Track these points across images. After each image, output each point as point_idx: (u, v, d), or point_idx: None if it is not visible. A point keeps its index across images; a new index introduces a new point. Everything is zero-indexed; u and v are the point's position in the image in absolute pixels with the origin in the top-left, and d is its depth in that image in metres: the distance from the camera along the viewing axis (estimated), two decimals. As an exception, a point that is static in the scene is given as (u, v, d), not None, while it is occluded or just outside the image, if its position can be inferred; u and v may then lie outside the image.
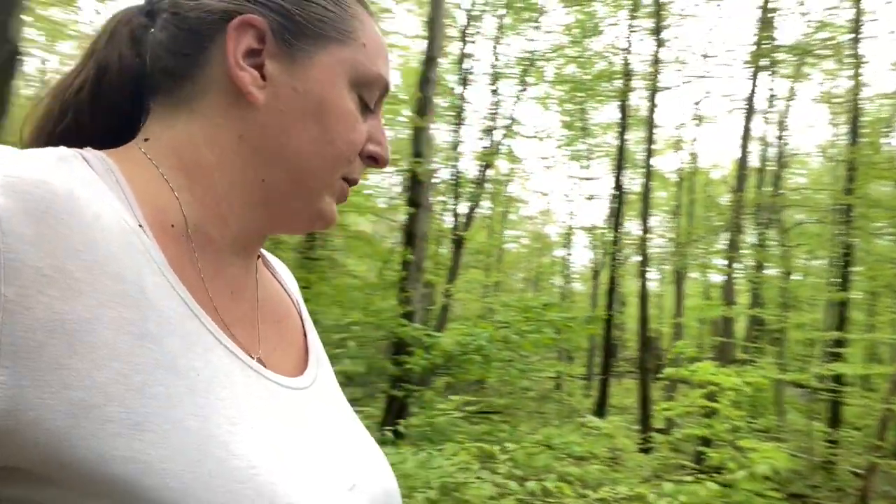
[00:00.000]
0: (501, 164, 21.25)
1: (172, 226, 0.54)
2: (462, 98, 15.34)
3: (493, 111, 16.19)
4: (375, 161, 0.63)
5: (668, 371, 8.08)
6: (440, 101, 16.60)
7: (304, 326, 0.71)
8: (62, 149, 0.51)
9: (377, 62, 0.61)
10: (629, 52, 13.94)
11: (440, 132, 18.53)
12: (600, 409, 13.74)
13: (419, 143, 7.48)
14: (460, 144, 15.60)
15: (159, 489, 0.43)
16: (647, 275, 12.98)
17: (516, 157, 20.68)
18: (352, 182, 0.63)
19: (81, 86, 0.59)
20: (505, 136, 16.42)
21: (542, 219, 25.88)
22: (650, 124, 12.88)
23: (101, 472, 0.42)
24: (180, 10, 0.58)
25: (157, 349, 0.46)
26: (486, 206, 22.16)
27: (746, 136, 11.10)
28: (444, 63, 18.28)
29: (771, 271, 14.72)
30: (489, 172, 17.57)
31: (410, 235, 7.40)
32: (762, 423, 8.42)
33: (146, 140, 0.57)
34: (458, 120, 15.62)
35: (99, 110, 0.60)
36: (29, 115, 0.60)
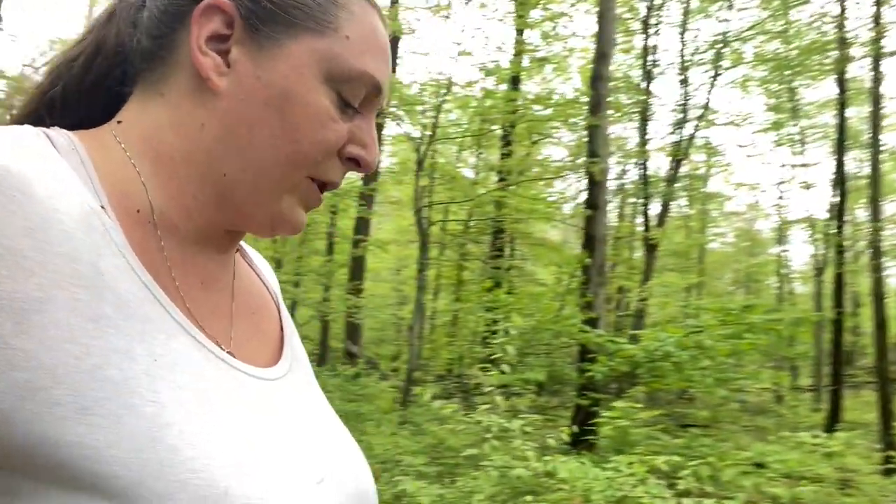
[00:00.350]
0: (697, 158, 19.81)
1: (138, 211, 0.52)
2: (648, 92, 14.56)
3: (684, 102, 15.14)
4: (357, 164, 0.58)
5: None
6: (625, 98, 15.95)
7: (280, 319, 0.68)
8: (25, 127, 0.50)
9: (362, 57, 0.56)
10: (844, 18, 12.22)
11: (626, 130, 17.81)
12: (831, 425, 12.22)
13: (594, 143, 7.23)
14: (649, 142, 14.79)
15: (107, 477, 0.41)
16: (883, 270, 11.15)
17: (714, 148, 19.15)
18: (328, 185, 0.58)
19: (75, 58, 0.59)
20: (698, 127, 15.26)
21: (751, 214, 23.62)
22: (876, 97, 11.12)
23: (48, 457, 0.41)
24: None
25: (114, 332, 0.44)
26: (681, 204, 20.79)
27: None
28: (626, 59, 17.58)
29: None
30: (683, 168, 16.44)
31: (589, 238, 7.16)
32: None
33: (119, 123, 0.56)
34: (645, 116, 14.84)
35: (88, 87, 0.59)
36: (28, 82, 0.62)
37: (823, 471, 7.69)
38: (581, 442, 6.36)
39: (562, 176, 12.48)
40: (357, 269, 14.71)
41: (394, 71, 12.43)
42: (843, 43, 12.45)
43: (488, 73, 12.11)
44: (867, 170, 13.08)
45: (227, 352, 0.54)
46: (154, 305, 0.48)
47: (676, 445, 7.29)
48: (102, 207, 0.49)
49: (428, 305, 15.20)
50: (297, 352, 0.66)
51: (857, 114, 14.43)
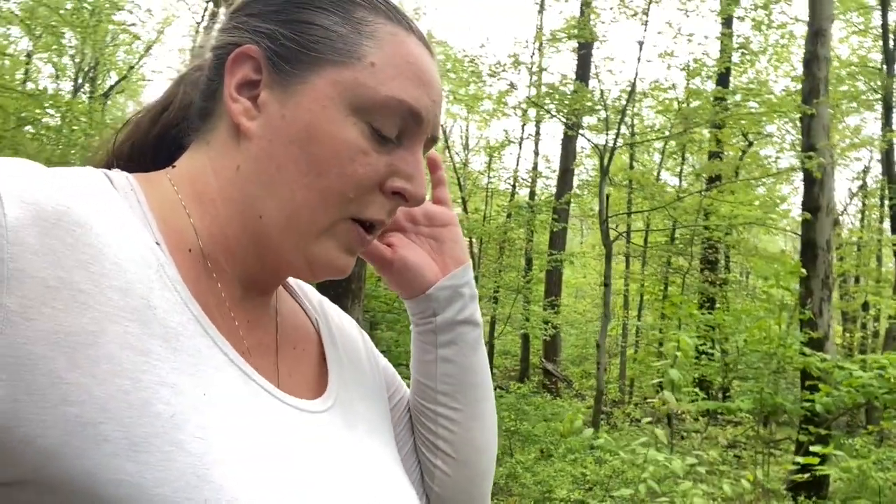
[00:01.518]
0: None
1: (190, 250, 0.54)
2: (891, 73, 12.36)
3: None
4: (403, 198, 0.57)
5: None
6: (860, 84, 13.73)
7: (322, 347, 0.67)
8: (88, 168, 0.53)
9: (390, 83, 0.54)
10: None
11: (864, 119, 15.29)
12: None
13: (810, 135, 6.25)
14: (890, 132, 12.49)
15: None
16: None
17: None
18: (374, 223, 0.57)
19: (146, 115, 0.65)
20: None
21: None
22: None
23: (89, 492, 0.40)
24: (214, 50, 0.60)
25: (162, 365, 0.45)
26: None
27: None
28: (854, 40, 15.16)
29: None
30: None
31: (808, 245, 6.18)
32: None
33: (173, 167, 0.59)
34: (889, 103, 12.61)
35: (153, 139, 0.63)
36: (123, 126, 0.66)
37: None
38: (803, 486, 5.43)
39: (770, 175, 11.08)
40: (554, 284, 14.47)
41: (586, 81, 12.10)
42: None
43: (690, 73, 11.23)
44: None
45: (275, 386, 0.54)
46: (204, 339, 0.49)
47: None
48: (157, 244, 0.50)
49: (633, 323, 14.41)
50: (347, 381, 0.65)
51: None
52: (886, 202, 12.81)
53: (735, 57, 13.28)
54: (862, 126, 15.71)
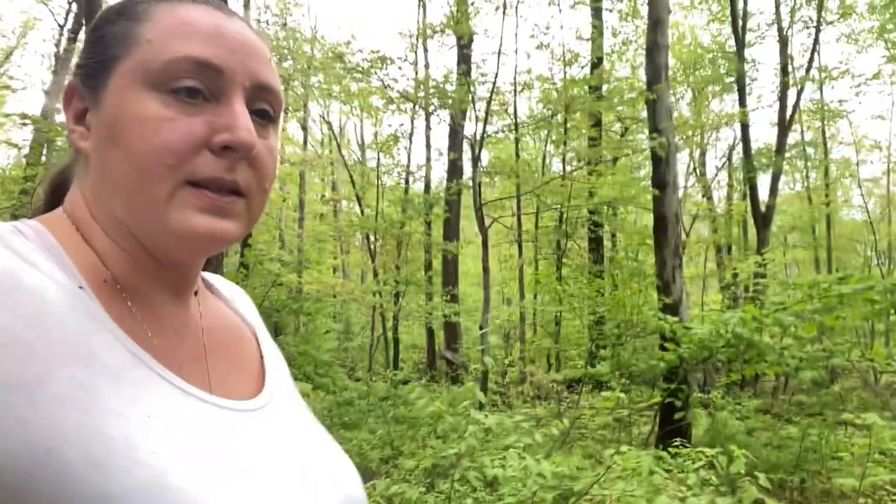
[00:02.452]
0: (816, 125, 18.05)
1: (105, 281, 0.58)
2: (742, 58, 13.46)
3: (784, 65, 13.84)
4: (232, 149, 0.57)
5: None
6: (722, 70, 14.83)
7: (259, 348, 0.73)
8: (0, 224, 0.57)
9: (168, 47, 0.57)
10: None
11: (724, 104, 16.53)
12: None
13: (655, 117, 6.77)
14: (749, 112, 13.63)
15: None
16: None
17: (834, 110, 17.41)
18: (210, 183, 0.57)
19: (56, 170, 0.70)
20: (801, 91, 13.90)
21: (889, 178, 21.18)
22: None
23: None
24: None
25: (108, 397, 0.50)
26: (806, 176, 18.99)
27: None
28: (714, 27, 16.36)
29: None
30: (793, 136, 15.01)
31: (660, 219, 6.70)
32: None
33: (62, 205, 0.64)
34: (742, 85, 13.74)
35: (56, 185, 0.68)
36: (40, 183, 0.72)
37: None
38: (670, 436, 5.92)
39: (626, 155, 11.83)
40: (451, 274, 14.76)
41: (468, 74, 12.43)
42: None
43: (565, 63, 11.79)
44: None
45: (209, 391, 0.59)
46: (141, 369, 0.54)
47: (785, 437, 6.60)
48: (81, 287, 0.55)
49: (530, 306, 14.94)
50: (279, 375, 0.71)
51: None
52: (746, 175, 13.94)
53: (606, 47, 14.02)
54: (724, 108, 16.97)
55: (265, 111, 0.62)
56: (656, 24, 6.82)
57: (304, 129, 17.38)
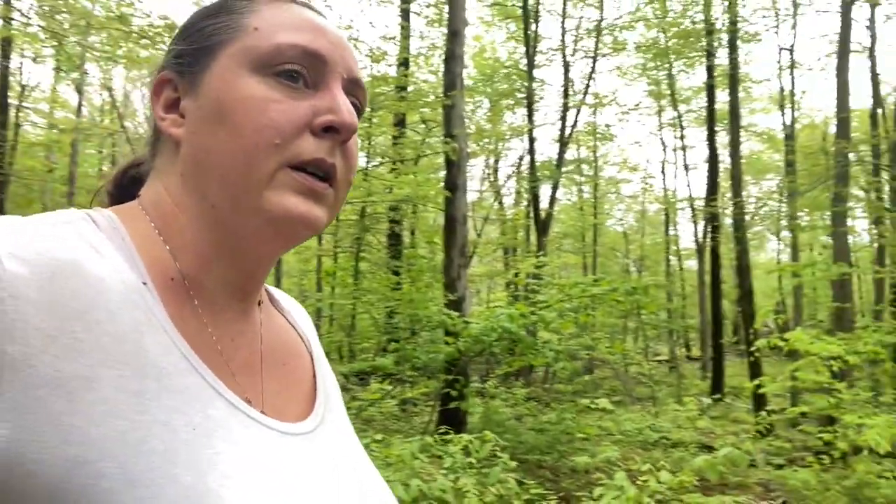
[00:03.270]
0: (590, 143, 20.31)
1: (172, 279, 0.56)
2: (531, 77, 14.74)
3: (566, 88, 15.44)
4: (335, 130, 0.58)
5: (759, 343, 7.28)
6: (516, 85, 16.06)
7: (313, 367, 0.71)
8: (71, 211, 0.56)
9: (275, 36, 0.58)
10: (709, 6, 12.76)
11: (515, 117, 18.00)
12: (714, 392, 12.92)
13: (450, 123, 7.17)
14: (535, 128, 14.98)
15: None
16: (744, 243, 11.77)
17: (604, 133, 19.74)
18: (309, 165, 0.57)
19: (121, 168, 0.70)
20: (579, 112, 15.62)
21: (644, 196, 24.55)
22: (733, 79, 11.69)
23: None
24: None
25: (156, 406, 0.47)
26: (581, 189, 21.31)
27: (843, 73, 9.73)
28: (518, 47, 17.72)
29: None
30: (571, 153, 16.78)
31: (449, 220, 7.11)
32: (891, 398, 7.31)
33: (138, 197, 0.62)
34: (531, 101, 15.04)
35: (128, 180, 0.68)
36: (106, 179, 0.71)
37: (686, 437, 8.03)
38: (448, 423, 6.32)
39: (426, 155, 12.45)
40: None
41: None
42: (708, 31, 13.01)
43: (374, 58, 11.93)
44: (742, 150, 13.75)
45: (261, 410, 0.56)
46: (192, 375, 0.51)
47: (543, 421, 7.41)
48: (144, 283, 0.53)
49: (327, 299, 14.86)
50: (330, 398, 0.69)
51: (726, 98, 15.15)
52: (531, 185, 15.29)
53: (413, 49, 14.45)
54: (515, 121, 18.41)
55: (356, 105, 0.63)
56: (454, 35, 7.23)
57: (80, 92, 15.49)
